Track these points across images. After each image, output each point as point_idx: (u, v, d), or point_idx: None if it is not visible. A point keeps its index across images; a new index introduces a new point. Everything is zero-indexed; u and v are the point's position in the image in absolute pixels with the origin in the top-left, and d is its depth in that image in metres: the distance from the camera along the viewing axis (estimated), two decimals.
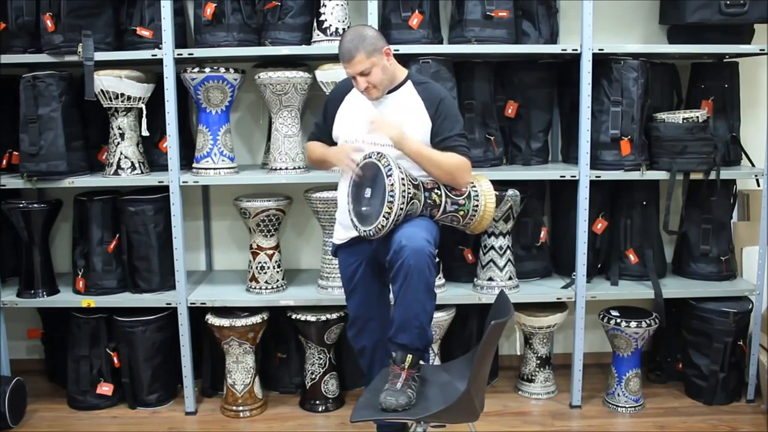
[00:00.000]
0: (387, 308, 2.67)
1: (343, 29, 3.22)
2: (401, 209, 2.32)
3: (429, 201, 2.45)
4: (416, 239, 2.28)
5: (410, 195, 2.35)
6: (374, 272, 2.64)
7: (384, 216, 2.31)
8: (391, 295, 2.41)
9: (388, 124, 2.47)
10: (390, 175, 2.31)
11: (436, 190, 2.48)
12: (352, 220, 2.46)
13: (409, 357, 2.33)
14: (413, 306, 2.29)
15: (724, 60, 3.46)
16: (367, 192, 2.43)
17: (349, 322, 2.76)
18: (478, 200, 2.56)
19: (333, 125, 2.69)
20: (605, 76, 3.20)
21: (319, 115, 2.77)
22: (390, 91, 2.58)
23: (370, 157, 2.43)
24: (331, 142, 2.72)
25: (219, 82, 3.17)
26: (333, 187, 3.18)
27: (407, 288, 2.27)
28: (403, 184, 2.32)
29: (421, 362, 2.41)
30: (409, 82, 2.60)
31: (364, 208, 2.43)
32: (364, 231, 2.40)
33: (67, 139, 3.19)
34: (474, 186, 2.58)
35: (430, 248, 2.29)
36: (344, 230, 2.65)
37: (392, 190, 2.30)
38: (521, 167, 3.42)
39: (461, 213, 2.54)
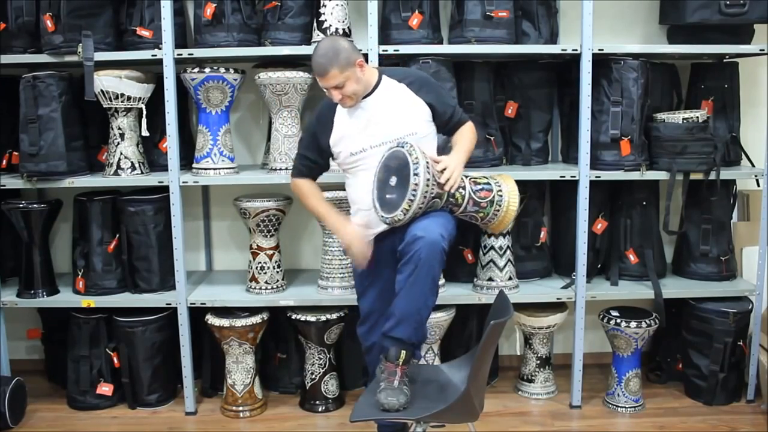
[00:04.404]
0: None
1: (344, 30, 3.22)
2: (420, 207, 2.36)
3: (451, 199, 2.48)
4: (431, 232, 2.31)
5: (432, 195, 2.37)
6: (392, 265, 2.58)
7: (402, 211, 2.34)
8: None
9: (456, 167, 2.46)
10: (417, 174, 2.32)
11: (460, 189, 2.50)
12: (373, 201, 2.49)
13: (403, 353, 2.34)
14: (417, 300, 2.31)
15: (724, 60, 3.46)
16: (393, 180, 2.44)
17: (361, 318, 2.74)
18: (500, 205, 2.57)
19: (330, 147, 2.63)
20: (605, 76, 3.20)
21: (308, 147, 2.70)
22: (366, 96, 2.57)
23: (402, 147, 2.42)
24: (323, 167, 2.75)
25: (219, 82, 3.18)
26: (333, 187, 3.18)
27: (415, 279, 2.29)
28: (427, 184, 2.33)
29: (414, 360, 2.42)
30: (384, 79, 2.60)
31: (387, 196, 2.46)
32: (382, 216, 2.43)
33: (67, 139, 3.19)
34: (500, 190, 2.57)
35: (443, 243, 2.32)
36: (363, 229, 2.63)
37: (415, 189, 2.32)
38: (521, 167, 3.42)
39: (480, 215, 2.57)
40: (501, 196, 2.57)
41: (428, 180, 2.34)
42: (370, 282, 2.68)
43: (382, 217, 2.43)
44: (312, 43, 3.23)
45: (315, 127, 2.67)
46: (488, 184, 2.58)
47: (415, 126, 2.58)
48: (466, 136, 2.66)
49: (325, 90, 2.54)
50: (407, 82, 2.60)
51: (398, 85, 2.60)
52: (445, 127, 2.68)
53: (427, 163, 2.37)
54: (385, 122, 2.56)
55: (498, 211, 2.57)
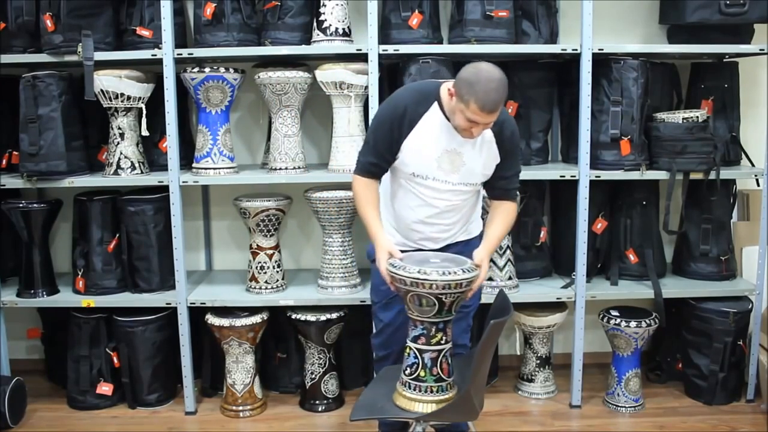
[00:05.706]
0: None
1: (344, 29, 3.22)
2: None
3: (436, 321, 2.28)
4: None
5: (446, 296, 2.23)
6: None
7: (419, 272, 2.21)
8: None
9: (483, 275, 2.37)
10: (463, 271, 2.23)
11: (443, 338, 2.31)
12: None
13: None
14: None
15: (724, 60, 3.46)
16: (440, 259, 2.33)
17: (377, 330, 2.71)
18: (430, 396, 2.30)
19: (400, 149, 2.41)
20: (605, 76, 3.20)
21: (383, 142, 2.41)
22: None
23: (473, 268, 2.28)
24: (391, 164, 2.48)
25: (219, 82, 3.18)
26: (333, 187, 3.19)
27: None
28: (454, 286, 2.20)
29: None
30: None
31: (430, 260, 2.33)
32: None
33: (67, 139, 3.19)
34: (448, 400, 2.31)
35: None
36: (398, 240, 2.56)
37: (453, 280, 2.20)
38: (521, 167, 3.41)
39: (421, 372, 2.30)
40: (443, 394, 2.31)
41: (460, 286, 2.21)
42: (393, 295, 2.55)
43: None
44: (312, 43, 3.23)
45: (396, 122, 2.39)
46: (453, 384, 2.35)
47: (479, 180, 2.49)
48: (506, 221, 2.52)
49: (462, 120, 2.28)
50: (496, 131, 2.42)
51: (489, 132, 2.42)
52: (493, 184, 2.52)
53: (471, 281, 2.25)
54: (460, 168, 2.43)
55: (425, 394, 2.29)
